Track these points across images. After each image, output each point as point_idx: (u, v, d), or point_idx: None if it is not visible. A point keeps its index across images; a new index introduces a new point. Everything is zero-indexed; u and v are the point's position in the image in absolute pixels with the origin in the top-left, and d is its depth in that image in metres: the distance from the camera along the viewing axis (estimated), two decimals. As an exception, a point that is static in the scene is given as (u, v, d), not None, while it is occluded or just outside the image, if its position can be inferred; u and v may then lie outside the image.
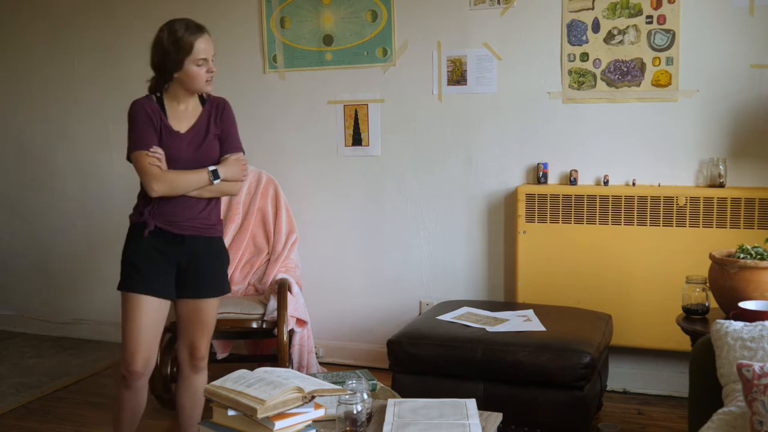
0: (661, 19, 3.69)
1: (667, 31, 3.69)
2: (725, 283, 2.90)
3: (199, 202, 2.87)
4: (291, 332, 3.87)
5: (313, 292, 4.36)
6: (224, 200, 4.20)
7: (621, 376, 3.93)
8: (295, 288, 3.93)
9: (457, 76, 4.08)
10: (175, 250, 2.86)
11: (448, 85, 4.11)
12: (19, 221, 5.25)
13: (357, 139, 4.32)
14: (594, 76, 3.83)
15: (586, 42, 3.83)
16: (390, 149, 4.28)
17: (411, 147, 4.23)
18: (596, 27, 3.80)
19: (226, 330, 3.76)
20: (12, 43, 5.10)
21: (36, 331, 5.22)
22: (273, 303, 3.76)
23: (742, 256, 2.93)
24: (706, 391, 2.24)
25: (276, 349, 3.78)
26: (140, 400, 2.94)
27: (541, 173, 3.92)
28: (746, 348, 2.11)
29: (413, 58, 4.17)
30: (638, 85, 3.77)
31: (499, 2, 3.96)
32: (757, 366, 1.92)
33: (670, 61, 3.70)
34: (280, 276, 4.00)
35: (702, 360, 2.27)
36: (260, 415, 2.02)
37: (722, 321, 2.23)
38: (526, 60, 3.95)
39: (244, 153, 2.96)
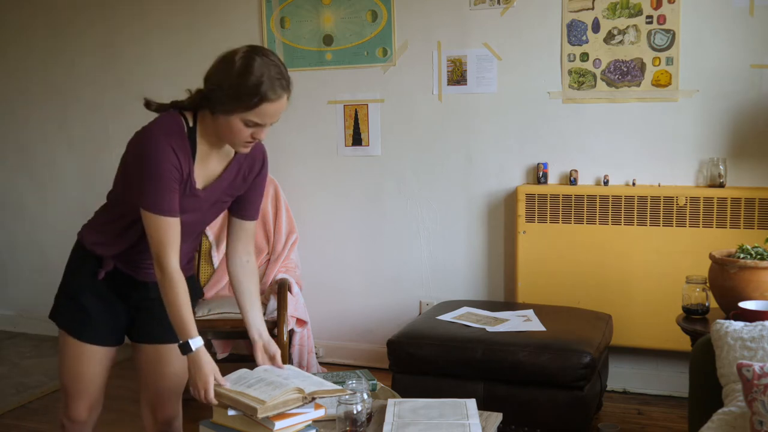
0: (661, 19, 3.69)
1: (667, 31, 3.69)
2: (725, 283, 2.90)
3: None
4: (291, 332, 3.87)
5: (313, 292, 4.36)
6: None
7: (621, 376, 3.93)
8: (295, 288, 3.93)
9: (457, 76, 4.08)
10: (134, 294, 2.36)
11: (448, 85, 4.11)
12: (19, 221, 5.25)
13: (357, 139, 4.32)
14: (594, 76, 3.83)
15: (586, 42, 3.82)
16: (390, 149, 4.27)
17: (411, 147, 4.23)
18: (596, 27, 3.80)
19: (226, 330, 3.76)
20: (12, 43, 5.10)
21: (36, 331, 5.22)
22: (273, 303, 3.76)
23: (742, 256, 2.93)
24: (706, 391, 2.24)
25: (276, 349, 3.79)
26: None
27: (541, 173, 3.92)
28: (746, 348, 2.11)
29: (413, 58, 4.16)
30: (638, 85, 3.77)
31: (499, 2, 3.96)
32: (757, 366, 1.92)
33: (670, 61, 3.70)
34: (280, 276, 4.00)
35: (702, 360, 2.27)
36: (260, 416, 2.02)
37: (722, 321, 2.23)
38: (526, 60, 3.95)
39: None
